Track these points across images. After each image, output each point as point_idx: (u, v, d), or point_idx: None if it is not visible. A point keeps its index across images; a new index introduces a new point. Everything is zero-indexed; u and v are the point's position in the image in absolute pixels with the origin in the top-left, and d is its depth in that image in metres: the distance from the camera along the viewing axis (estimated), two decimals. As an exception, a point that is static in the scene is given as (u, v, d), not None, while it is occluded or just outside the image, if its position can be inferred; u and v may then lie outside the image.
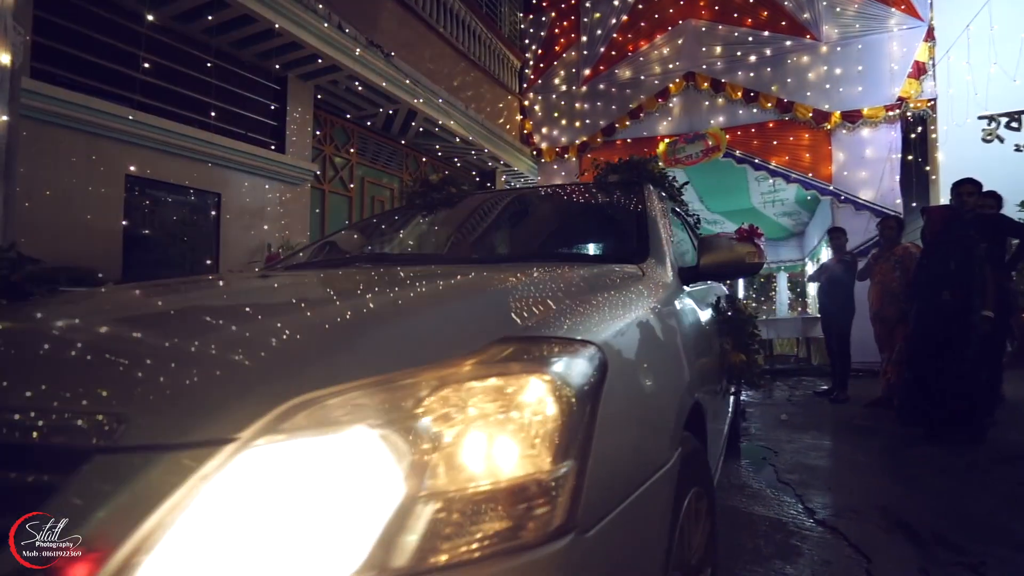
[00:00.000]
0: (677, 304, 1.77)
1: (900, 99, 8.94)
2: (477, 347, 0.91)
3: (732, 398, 3.28)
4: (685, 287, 2.00)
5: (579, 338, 1.03)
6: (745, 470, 3.93)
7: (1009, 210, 5.39)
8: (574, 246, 2.52)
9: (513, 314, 1.09)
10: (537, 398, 0.86)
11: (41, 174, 4.78)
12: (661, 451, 1.21)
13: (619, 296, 1.39)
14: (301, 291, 1.54)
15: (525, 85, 12.09)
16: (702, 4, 10.43)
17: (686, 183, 3.22)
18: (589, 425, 0.90)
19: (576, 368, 0.94)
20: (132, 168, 5.48)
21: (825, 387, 7.37)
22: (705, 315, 2.18)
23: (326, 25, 6.56)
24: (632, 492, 1.03)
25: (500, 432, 0.82)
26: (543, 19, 12.12)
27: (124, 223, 5.43)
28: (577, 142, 11.27)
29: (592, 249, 2.46)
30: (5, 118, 3.78)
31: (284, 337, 0.96)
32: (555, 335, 1.02)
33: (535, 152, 11.71)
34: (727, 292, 3.36)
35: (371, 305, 1.21)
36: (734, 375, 2.52)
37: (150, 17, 5.53)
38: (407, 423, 0.78)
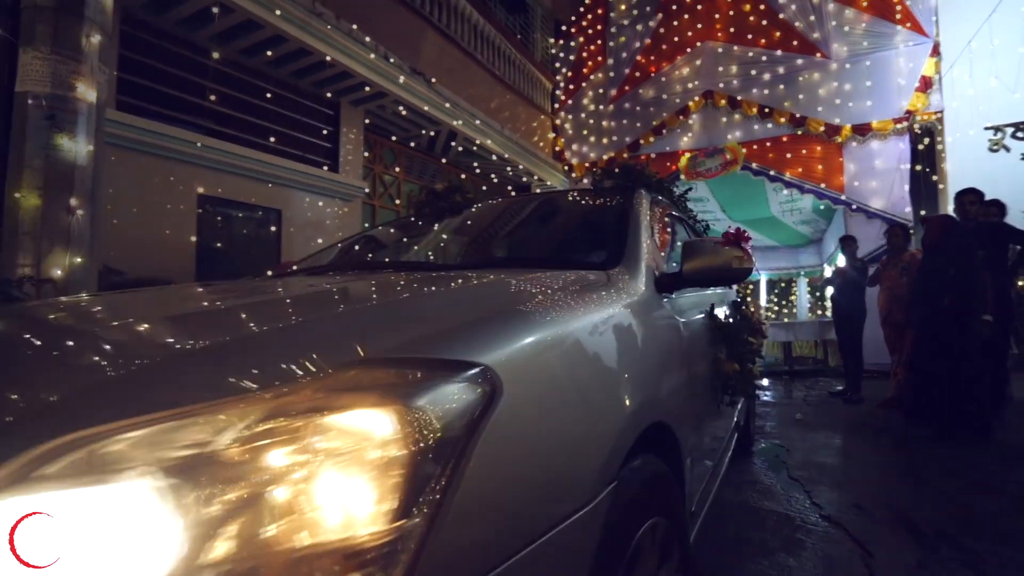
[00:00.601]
0: (646, 313, 1.51)
1: (908, 112, 8.64)
2: (315, 373, 0.70)
3: (737, 407, 3.02)
4: (668, 295, 1.78)
5: (458, 358, 0.79)
6: (758, 467, 3.86)
7: (1015, 217, 5.17)
8: (543, 251, 2.20)
9: (383, 331, 0.88)
10: (375, 436, 0.65)
11: (127, 195, 4.96)
12: (579, 490, 0.94)
13: (558, 305, 1.12)
14: (124, 311, 1.22)
15: (557, 105, 12.04)
16: (718, 27, 10.26)
17: (688, 189, 2.99)
18: (454, 468, 0.68)
19: (443, 396, 0.72)
20: (202, 188, 5.65)
21: (840, 388, 7.17)
22: (691, 324, 1.94)
23: (373, 56, 6.66)
24: (522, 547, 0.77)
25: (319, 481, 0.62)
26: (572, 44, 12.06)
27: (196, 238, 5.59)
28: (605, 157, 11.15)
29: (559, 254, 2.12)
30: (92, 148, 3.94)
31: (56, 367, 0.77)
32: (426, 355, 0.79)
33: (567, 167, 11.66)
34: (735, 298, 3.22)
35: (194, 325, 0.98)
36: (727, 385, 2.29)
37: (217, 54, 5.70)
38: (197, 469, 0.59)
